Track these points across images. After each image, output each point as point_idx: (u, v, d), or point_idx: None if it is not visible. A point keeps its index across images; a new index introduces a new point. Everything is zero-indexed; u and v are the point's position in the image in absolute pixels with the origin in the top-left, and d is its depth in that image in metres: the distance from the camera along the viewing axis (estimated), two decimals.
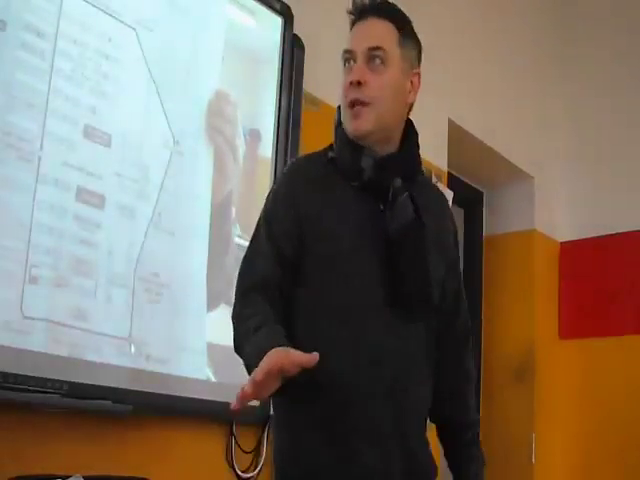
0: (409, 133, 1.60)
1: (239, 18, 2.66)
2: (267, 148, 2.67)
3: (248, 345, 1.41)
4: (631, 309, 4.04)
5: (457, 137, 3.64)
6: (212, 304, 2.40)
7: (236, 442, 2.46)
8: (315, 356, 1.29)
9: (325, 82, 2.93)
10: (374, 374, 1.46)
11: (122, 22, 2.22)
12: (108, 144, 2.15)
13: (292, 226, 1.51)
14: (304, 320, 1.50)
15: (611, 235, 4.17)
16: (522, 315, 4.07)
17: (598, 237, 4.22)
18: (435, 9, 3.60)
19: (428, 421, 1.63)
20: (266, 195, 1.63)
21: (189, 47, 2.44)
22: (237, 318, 1.51)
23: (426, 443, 1.58)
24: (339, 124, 1.58)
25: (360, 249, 1.51)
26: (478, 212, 4.42)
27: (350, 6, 1.59)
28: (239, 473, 2.46)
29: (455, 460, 1.65)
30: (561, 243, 4.39)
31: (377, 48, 1.52)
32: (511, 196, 4.35)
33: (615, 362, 4.02)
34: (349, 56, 1.55)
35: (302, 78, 2.77)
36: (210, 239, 2.42)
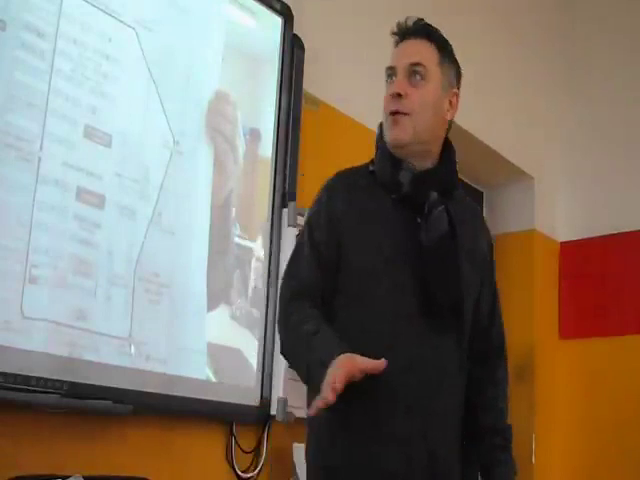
0: (447, 150, 1.68)
1: (239, 18, 2.66)
2: (267, 148, 2.67)
3: (308, 351, 1.48)
4: (631, 309, 4.04)
5: (457, 137, 3.63)
6: (212, 304, 2.40)
7: (236, 442, 2.46)
8: (382, 363, 1.37)
9: (325, 82, 2.94)
10: (404, 381, 1.51)
11: (122, 22, 2.22)
12: (108, 144, 2.15)
13: (332, 234, 1.58)
14: (339, 326, 1.54)
15: (611, 235, 4.17)
16: (522, 315, 4.07)
17: (598, 237, 4.23)
18: (436, 12, 3.60)
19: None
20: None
21: (189, 47, 2.44)
22: (285, 323, 1.58)
23: (457, 452, 1.60)
24: (380, 138, 1.66)
25: (396, 259, 1.57)
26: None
27: (395, 27, 1.69)
28: (239, 473, 2.46)
29: (484, 465, 1.66)
30: (561, 243, 4.39)
31: (417, 64, 1.62)
32: (511, 196, 4.35)
33: (615, 362, 4.02)
34: (391, 72, 1.64)
35: (302, 78, 2.77)
36: (210, 239, 2.42)
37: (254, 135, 2.64)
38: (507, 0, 4.23)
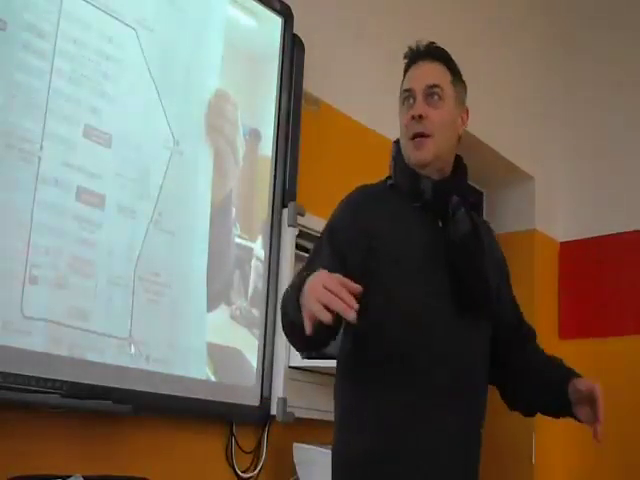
0: (459, 164, 1.77)
1: (239, 18, 2.66)
2: (267, 148, 2.67)
3: (296, 285, 1.46)
4: (631, 309, 4.04)
5: None
6: (212, 304, 2.41)
7: (236, 442, 2.46)
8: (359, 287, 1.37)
9: (325, 82, 2.94)
10: (439, 372, 1.56)
11: (122, 22, 2.22)
12: (108, 144, 2.15)
13: (359, 237, 1.61)
14: (371, 323, 1.56)
15: (611, 235, 4.18)
16: None
17: (598, 237, 4.23)
18: (436, 11, 3.60)
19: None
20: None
21: (189, 47, 2.44)
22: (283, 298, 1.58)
23: (479, 444, 1.68)
24: (397, 155, 1.72)
25: (425, 262, 1.62)
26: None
27: (406, 52, 1.74)
28: (239, 473, 2.46)
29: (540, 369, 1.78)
30: (561, 243, 4.39)
31: (435, 86, 1.68)
32: (511, 196, 4.35)
33: (615, 362, 4.02)
34: (408, 94, 1.70)
35: (302, 78, 2.77)
36: (210, 239, 2.42)
37: (254, 135, 2.64)
38: (507, 1, 4.23)
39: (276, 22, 2.73)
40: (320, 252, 1.64)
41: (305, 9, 2.83)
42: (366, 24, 3.16)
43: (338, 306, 1.31)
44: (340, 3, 3.10)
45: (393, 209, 1.68)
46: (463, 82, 1.78)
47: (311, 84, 2.82)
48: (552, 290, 4.29)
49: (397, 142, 1.75)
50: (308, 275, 1.42)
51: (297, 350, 1.74)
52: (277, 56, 2.72)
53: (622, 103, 4.29)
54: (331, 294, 1.32)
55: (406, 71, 1.75)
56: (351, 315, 1.30)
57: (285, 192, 2.65)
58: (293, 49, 2.75)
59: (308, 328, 1.34)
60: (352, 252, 1.60)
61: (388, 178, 1.76)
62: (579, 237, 4.32)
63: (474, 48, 3.85)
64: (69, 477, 1.81)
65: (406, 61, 1.75)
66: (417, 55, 1.73)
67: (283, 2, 2.74)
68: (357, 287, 1.35)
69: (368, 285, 1.51)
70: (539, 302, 4.16)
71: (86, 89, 2.11)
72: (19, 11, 1.97)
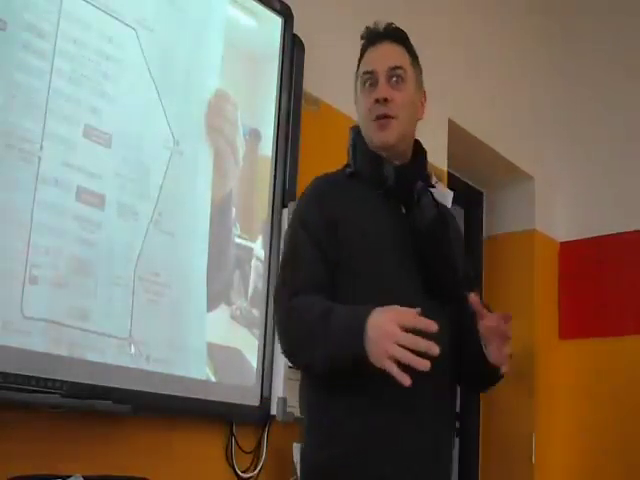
0: (419, 148, 1.73)
1: (239, 18, 2.66)
2: (267, 148, 2.67)
3: (327, 327, 1.42)
4: (631, 309, 4.04)
5: (457, 137, 3.64)
6: (212, 304, 2.40)
7: (236, 442, 2.46)
8: (431, 323, 1.36)
9: (325, 82, 2.94)
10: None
11: (122, 22, 2.22)
12: (108, 144, 2.15)
13: (328, 228, 1.58)
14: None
15: (611, 235, 4.17)
16: (522, 315, 4.07)
17: (598, 237, 4.23)
18: (436, 11, 3.60)
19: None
20: (295, 206, 1.71)
21: (189, 47, 2.44)
22: (289, 315, 1.53)
23: (453, 429, 1.67)
24: (356, 141, 1.69)
25: (391, 248, 1.60)
26: (478, 212, 4.43)
27: (364, 32, 1.72)
28: (239, 473, 2.46)
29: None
30: (561, 243, 4.39)
31: (398, 67, 1.66)
32: (511, 196, 4.35)
33: (615, 362, 4.02)
34: (370, 76, 1.66)
35: (302, 78, 2.77)
36: (210, 239, 2.42)
37: (254, 135, 2.64)
38: (507, 0, 4.23)
39: (276, 22, 2.73)
40: (301, 251, 1.60)
41: (305, 9, 2.83)
42: (366, 24, 3.16)
43: (415, 363, 1.31)
44: (340, 3, 3.10)
45: (356, 197, 1.64)
46: (420, 65, 1.75)
47: (311, 84, 2.82)
48: (552, 290, 4.29)
49: (354, 128, 1.72)
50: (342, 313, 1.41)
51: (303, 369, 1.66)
52: (277, 56, 2.72)
53: (622, 103, 4.29)
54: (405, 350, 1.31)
55: (364, 51, 1.72)
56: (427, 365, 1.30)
57: (285, 192, 2.65)
58: (293, 49, 2.75)
59: (407, 380, 1.31)
60: (327, 247, 1.57)
61: (346, 166, 1.73)
62: (579, 237, 4.32)
63: (474, 48, 3.85)
64: (69, 477, 1.81)
65: (363, 41, 1.72)
66: (376, 36, 1.70)
67: (283, 2, 2.74)
68: (433, 325, 1.34)
69: (338, 276, 1.53)
70: (539, 302, 4.16)
71: (86, 89, 2.11)
72: (19, 11, 1.97)
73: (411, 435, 1.52)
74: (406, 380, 1.31)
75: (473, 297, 1.53)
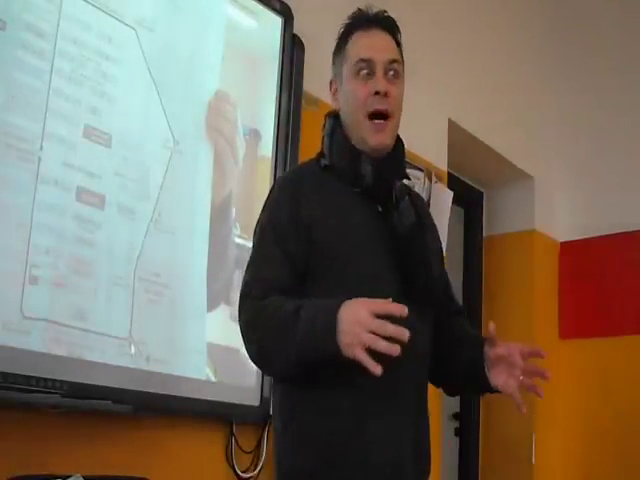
0: (398, 142, 1.63)
1: (239, 18, 2.66)
2: (267, 148, 2.67)
3: (296, 324, 1.37)
4: (631, 309, 4.04)
5: (457, 137, 3.64)
6: (212, 304, 2.40)
7: (236, 442, 2.46)
8: (400, 307, 1.32)
9: (325, 82, 2.93)
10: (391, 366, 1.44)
11: (122, 22, 2.22)
12: (108, 144, 2.15)
13: (300, 229, 1.50)
14: None
15: (611, 235, 4.18)
16: (522, 315, 4.07)
17: (598, 237, 4.23)
18: (436, 10, 3.60)
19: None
20: (266, 200, 1.62)
21: (189, 47, 2.44)
22: (257, 317, 1.46)
23: (428, 430, 1.61)
24: (334, 132, 1.60)
25: (368, 250, 1.52)
26: (478, 212, 4.43)
27: (354, 14, 1.61)
28: (239, 473, 2.46)
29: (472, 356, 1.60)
30: (561, 243, 4.39)
31: (395, 61, 1.57)
32: (511, 196, 4.35)
33: (615, 362, 4.03)
34: (366, 65, 1.55)
35: (302, 78, 2.77)
36: (210, 239, 2.42)
37: (254, 135, 2.64)
38: (507, 1, 4.23)
39: (276, 22, 2.73)
40: (266, 248, 1.53)
41: (305, 9, 2.83)
42: None
43: (384, 348, 1.27)
44: (340, 3, 3.09)
45: (331, 194, 1.55)
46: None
47: (311, 84, 2.82)
48: (552, 290, 4.29)
49: (332, 116, 1.62)
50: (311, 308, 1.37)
51: (270, 375, 1.64)
52: (277, 56, 2.72)
53: (622, 103, 4.29)
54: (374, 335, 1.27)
55: (351, 33, 1.59)
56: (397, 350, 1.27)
57: None
58: (293, 49, 2.75)
59: (377, 369, 1.27)
60: (296, 247, 1.49)
61: (320, 155, 1.63)
62: (579, 237, 4.32)
63: (474, 48, 3.85)
64: (69, 477, 1.81)
65: (349, 21, 1.61)
66: (370, 21, 1.59)
67: (283, 2, 2.74)
68: (404, 309, 1.30)
69: (312, 279, 1.47)
70: (539, 302, 4.16)
71: (86, 89, 2.10)
72: (19, 11, 1.97)
73: (386, 439, 1.46)
74: (377, 369, 1.27)
75: (491, 325, 1.52)
